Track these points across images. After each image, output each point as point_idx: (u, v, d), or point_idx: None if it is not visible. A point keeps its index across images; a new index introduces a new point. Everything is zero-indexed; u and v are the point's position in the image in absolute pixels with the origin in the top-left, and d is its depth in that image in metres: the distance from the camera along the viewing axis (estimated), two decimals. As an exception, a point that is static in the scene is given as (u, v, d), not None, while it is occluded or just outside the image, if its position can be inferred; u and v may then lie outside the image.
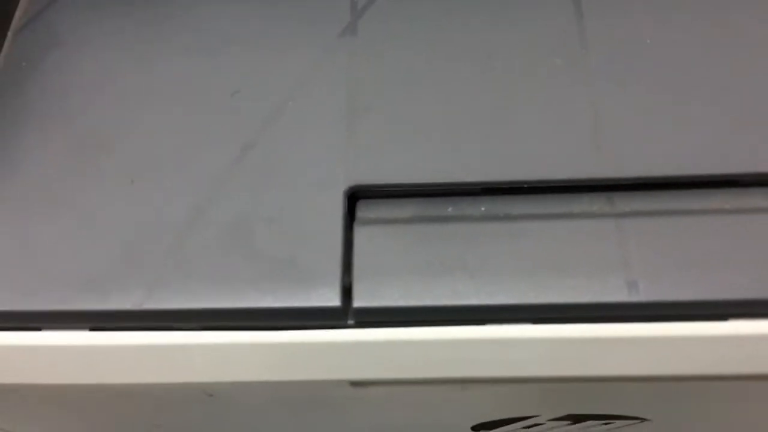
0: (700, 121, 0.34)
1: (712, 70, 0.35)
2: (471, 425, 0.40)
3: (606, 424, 0.40)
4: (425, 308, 0.31)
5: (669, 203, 0.33)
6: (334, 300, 0.30)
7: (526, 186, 0.33)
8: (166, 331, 0.31)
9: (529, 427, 0.40)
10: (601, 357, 0.31)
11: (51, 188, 0.34)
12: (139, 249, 0.32)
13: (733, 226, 0.31)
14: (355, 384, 0.34)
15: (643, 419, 0.39)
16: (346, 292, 0.31)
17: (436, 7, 0.38)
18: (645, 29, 0.37)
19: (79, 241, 0.32)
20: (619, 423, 0.40)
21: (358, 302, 0.31)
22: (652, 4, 0.37)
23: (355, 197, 0.34)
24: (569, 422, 0.40)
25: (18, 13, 0.39)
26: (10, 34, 0.39)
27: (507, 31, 0.37)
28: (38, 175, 0.34)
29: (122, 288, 0.31)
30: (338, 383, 0.33)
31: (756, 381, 0.32)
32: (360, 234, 0.32)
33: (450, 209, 0.33)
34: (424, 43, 0.37)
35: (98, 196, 0.33)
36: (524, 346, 0.31)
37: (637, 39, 0.36)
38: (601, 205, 0.33)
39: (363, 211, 0.33)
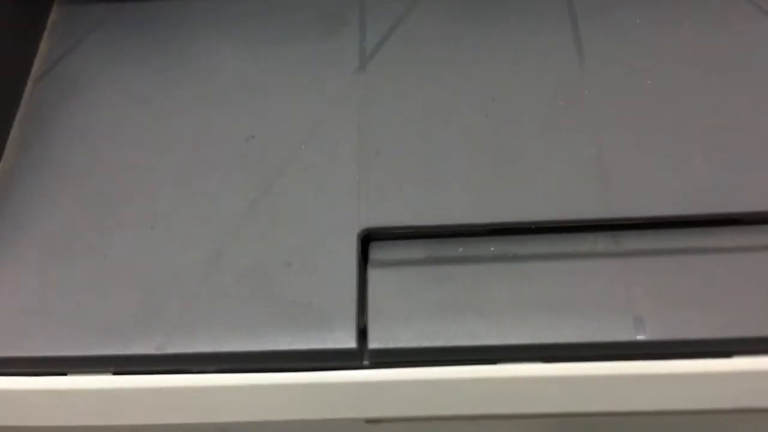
0: (702, 161, 0.35)
1: (714, 109, 0.36)
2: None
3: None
4: (438, 349, 0.32)
5: (673, 242, 0.34)
6: (349, 342, 0.31)
7: (533, 227, 0.34)
8: (186, 374, 0.32)
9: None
10: (609, 393, 0.32)
11: (73, 235, 0.35)
12: (159, 294, 0.33)
13: (736, 264, 0.32)
14: (371, 421, 0.34)
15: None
16: (362, 334, 0.32)
17: (442, 51, 0.40)
18: (645, 70, 0.38)
19: (101, 287, 0.33)
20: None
21: (373, 344, 0.32)
22: (652, 46, 0.39)
23: (368, 239, 0.35)
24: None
25: (37, 62, 0.40)
26: (30, 82, 0.40)
27: (512, 74, 0.38)
28: (60, 222, 0.35)
29: (144, 333, 0.32)
30: (354, 421, 0.34)
31: (760, 414, 0.33)
32: (374, 276, 0.33)
33: (460, 250, 0.34)
34: (432, 87, 0.38)
35: (119, 242, 0.34)
36: (534, 383, 0.32)
37: (638, 80, 0.38)
38: (607, 245, 0.34)
39: (376, 253, 0.34)
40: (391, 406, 0.33)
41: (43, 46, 0.41)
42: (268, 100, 0.39)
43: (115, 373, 0.32)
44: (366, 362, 0.32)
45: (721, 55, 0.38)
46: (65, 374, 0.32)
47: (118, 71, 0.40)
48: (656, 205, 0.34)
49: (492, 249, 0.34)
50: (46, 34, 0.42)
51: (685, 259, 0.33)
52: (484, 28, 0.40)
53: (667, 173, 0.35)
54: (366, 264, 0.34)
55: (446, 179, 0.35)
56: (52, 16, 0.42)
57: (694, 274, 0.32)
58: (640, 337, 0.31)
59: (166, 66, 0.40)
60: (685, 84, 0.37)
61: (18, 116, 0.39)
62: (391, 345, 0.32)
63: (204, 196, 0.35)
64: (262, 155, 0.37)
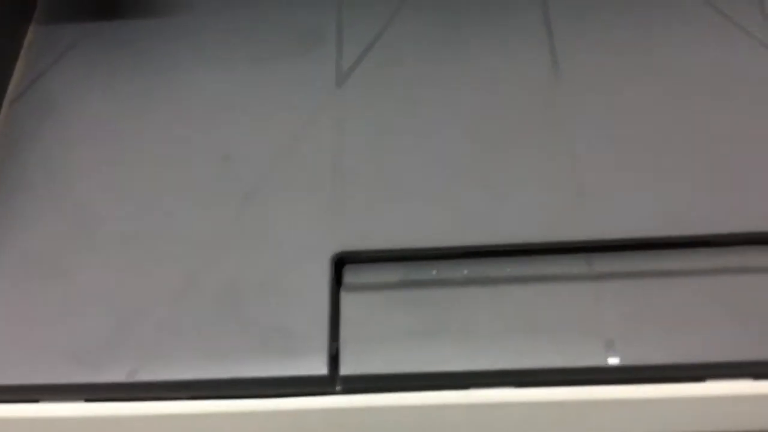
0: (676, 184, 0.35)
1: (689, 132, 0.36)
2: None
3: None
4: (410, 375, 0.31)
5: (646, 264, 0.33)
6: (321, 369, 0.31)
7: (507, 249, 0.34)
8: (157, 401, 0.32)
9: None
10: (582, 418, 0.32)
11: (46, 259, 0.35)
12: (131, 321, 0.33)
13: (709, 288, 0.32)
14: (344, 446, 0.34)
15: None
16: (333, 360, 0.32)
17: (419, 69, 0.40)
18: (624, 90, 0.38)
19: (73, 313, 0.33)
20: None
21: (344, 370, 0.32)
22: (630, 65, 0.38)
23: (341, 262, 0.34)
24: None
25: (13, 83, 0.40)
26: (5, 103, 0.40)
27: (488, 94, 0.38)
28: (33, 246, 0.35)
29: (115, 360, 0.32)
30: (327, 446, 0.34)
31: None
32: (346, 300, 0.33)
33: (434, 272, 0.34)
34: (408, 106, 0.38)
35: (91, 266, 0.34)
36: (506, 409, 0.32)
37: (614, 100, 0.37)
38: (580, 267, 0.34)
39: (349, 276, 0.34)
40: (364, 431, 0.33)
41: (20, 66, 0.41)
42: (243, 119, 0.39)
43: (87, 401, 0.32)
44: (338, 388, 0.32)
45: (698, 72, 0.38)
46: (37, 401, 0.32)
47: (95, 91, 0.40)
48: (630, 226, 0.34)
49: (465, 271, 0.34)
50: (22, 54, 0.41)
51: (658, 282, 0.33)
52: (460, 47, 0.40)
53: (641, 195, 0.35)
54: (339, 287, 0.34)
55: (421, 201, 0.35)
56: (29, 36, 0.42)
57: (666, 298, 0.32)
58: (612, 362, 0.31)
59: (143, 86, 0.40)
60: (661, 103, 0.37)
61: (-7, 137, 0.39)
62: (362, 371, 0.31)
63: (177, 219, 0.35)
64: (237, 175, 0.36)
